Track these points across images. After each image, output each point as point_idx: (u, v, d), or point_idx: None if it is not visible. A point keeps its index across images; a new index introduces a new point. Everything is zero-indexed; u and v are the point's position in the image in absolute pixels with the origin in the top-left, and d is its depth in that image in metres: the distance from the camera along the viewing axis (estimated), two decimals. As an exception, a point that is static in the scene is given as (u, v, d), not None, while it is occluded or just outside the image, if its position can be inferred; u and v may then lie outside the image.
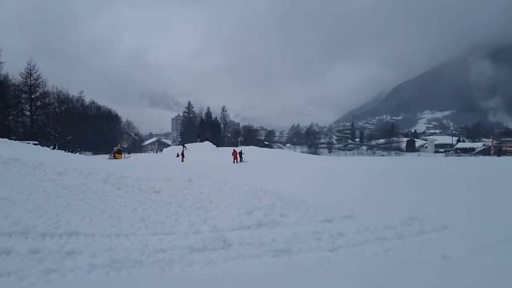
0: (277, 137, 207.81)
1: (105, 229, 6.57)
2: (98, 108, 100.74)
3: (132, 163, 21.61)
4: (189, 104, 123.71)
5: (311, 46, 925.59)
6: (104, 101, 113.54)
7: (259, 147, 79.62)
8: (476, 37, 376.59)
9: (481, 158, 50.65)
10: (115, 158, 31.73)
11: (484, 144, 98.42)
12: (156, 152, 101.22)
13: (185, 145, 53.27)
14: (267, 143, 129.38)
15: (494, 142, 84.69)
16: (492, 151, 70.20)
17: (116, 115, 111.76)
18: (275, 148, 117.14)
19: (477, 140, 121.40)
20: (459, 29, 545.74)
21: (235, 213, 8.45)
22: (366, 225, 7.20)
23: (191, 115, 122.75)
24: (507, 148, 67.27)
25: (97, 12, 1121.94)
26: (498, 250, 5.46)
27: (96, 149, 78.99)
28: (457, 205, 9.99)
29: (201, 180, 12.96)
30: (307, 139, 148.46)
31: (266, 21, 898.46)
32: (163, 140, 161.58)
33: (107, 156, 38.59)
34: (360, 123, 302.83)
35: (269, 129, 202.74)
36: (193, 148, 52.04)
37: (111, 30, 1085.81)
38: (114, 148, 36.87)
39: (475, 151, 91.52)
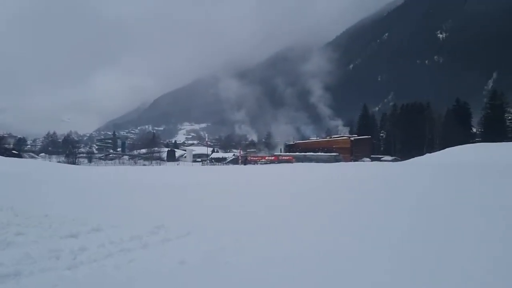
0: (29, 146, 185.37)
1: None
2: None
3: None
4: None
5: (69, 50, 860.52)
6: None
7: (6, 156, 69.75)
8: (227, 57, 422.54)
9: (231, 166, 56.65)
10: None
11: (234, 154, 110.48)
12: None
13: None
14: (16, 152, 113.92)
15: (241, 153, 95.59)
16: (240, 161, 78.74)
17: None
18: (26, 157, 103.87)
19: (228, 150, 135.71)
20: (213, 49, 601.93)
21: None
22: (113, 238, 6.73)
23: None
24: (252, 158, 76.63)
25: None
26: (229, 251, 6.15)
27: None
28: (205, 210, 10.56)
29: None
30: (65, 148, 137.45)
31: (15, 19, 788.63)
32: None
33: None
34: (122, 133, 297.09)
35: (19, 136, 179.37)
36: None
37: None
38: None
39: (227, 161, 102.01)
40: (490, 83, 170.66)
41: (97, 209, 10.52)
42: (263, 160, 73.27)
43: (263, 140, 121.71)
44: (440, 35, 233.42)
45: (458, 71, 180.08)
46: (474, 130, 75.67)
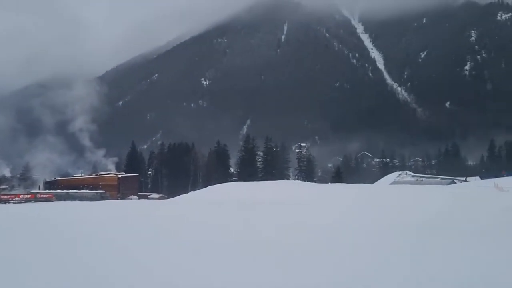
0: None
1: None
2: None
3: None
4: None
5: None
6: None
7: None
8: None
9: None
10: None
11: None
12: None
13: None
14: None
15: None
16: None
17: None
18: None
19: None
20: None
21: None
22: None
23: None
24: (3, 196, 63.33)
25: None
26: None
27: None
28: None
29: None
30: None
31: None
32: None
33: None
34: None
35: None
36: None
37: None
38: None
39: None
40: (245, 128, 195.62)
41: None
42: (17, 198, 64.35)
43: (18, 176, 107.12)
44: (204, 82, 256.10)
45: (219, 115, 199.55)
46: (232, 169, 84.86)
